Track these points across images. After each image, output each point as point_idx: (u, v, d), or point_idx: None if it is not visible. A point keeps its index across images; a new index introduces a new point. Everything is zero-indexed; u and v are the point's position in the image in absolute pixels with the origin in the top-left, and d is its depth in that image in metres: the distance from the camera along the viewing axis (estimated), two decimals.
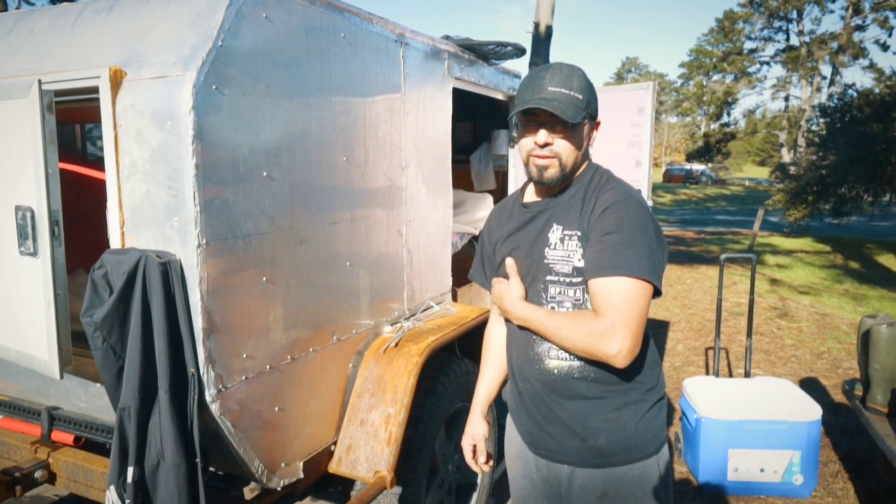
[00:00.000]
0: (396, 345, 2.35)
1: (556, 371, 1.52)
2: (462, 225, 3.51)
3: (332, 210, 2.11)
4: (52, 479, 2.14)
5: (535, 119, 1.49)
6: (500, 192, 4.27)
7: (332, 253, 2.12)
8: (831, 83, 27.09)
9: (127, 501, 1.59)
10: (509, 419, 1.74)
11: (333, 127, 2.07)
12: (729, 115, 32.89)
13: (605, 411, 1.50)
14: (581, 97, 1.47)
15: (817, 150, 14.40)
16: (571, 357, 1.50)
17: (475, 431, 1.76)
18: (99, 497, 2.05)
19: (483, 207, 3.75)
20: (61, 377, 1.69)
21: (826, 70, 28.31)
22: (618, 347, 1.35)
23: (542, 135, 1.48)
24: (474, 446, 1.76)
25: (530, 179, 1.59)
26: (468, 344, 2.94)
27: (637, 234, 1.40)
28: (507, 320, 1.67)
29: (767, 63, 31.65)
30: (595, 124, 1.58)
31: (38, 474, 2.09)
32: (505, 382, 1.80)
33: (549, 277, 1.53)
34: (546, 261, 1.53)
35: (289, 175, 1.89)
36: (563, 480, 1.58)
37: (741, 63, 30.96)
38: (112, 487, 1.61)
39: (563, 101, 1.45)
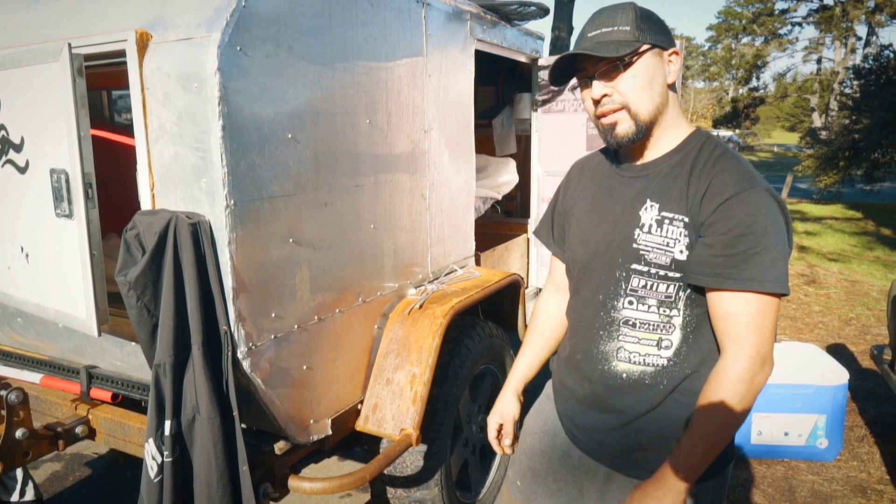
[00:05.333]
0: (421, 307, 2.38)
1: (624, 375, 1.33)
2: (485, 189, 3.50)
3: (356, 173, 2.12)
4: (91, 434, 2.23)
5: (586, 74, 1.29)
6: (522, 157, 4.23)
7: (356, 216, 2.14)
8: (867, 44, 26.07)
9: (165, 453, 1.66)
10: (549, 390, 1.59)
11: (356, 89, 2.07)
12: (758, 79, 32.04)
13: (677, 422, 1.30)
14: (628, 28, 1.23)
15: (850, 114, 13.93)
16: (645, 361, 1.31)
17: (504, 410, 1.59)
18: (136, 451, 2.13)
19: (506, 172, 3.73)
20: (99, 335, 1.75)
21: (861, 31, 27.26)
22: (767, 376, 1.20)
23: (597, 87, 1.26)
24: (501, 425, 1.60)
25: (610, 148, 1.38)
26: (492, 308, 2.97)
27: (771, 237, 1.16)
28: (571, 294, 1.47)
29: (800, 24, 30.57)
30: (668, 54, 1.27)
31: (78, 430, 2.18)
32: (548, 360, 1.63)
33: (635, 266, 1.28)
34: (636, 245, 1.28)
35: (313, 137, 1.90)
36: (599, 477, 1.43)
37: (772, 25, 29.95)
38: (150, 440, 1.67)
39: (602, 40, 1.24)
